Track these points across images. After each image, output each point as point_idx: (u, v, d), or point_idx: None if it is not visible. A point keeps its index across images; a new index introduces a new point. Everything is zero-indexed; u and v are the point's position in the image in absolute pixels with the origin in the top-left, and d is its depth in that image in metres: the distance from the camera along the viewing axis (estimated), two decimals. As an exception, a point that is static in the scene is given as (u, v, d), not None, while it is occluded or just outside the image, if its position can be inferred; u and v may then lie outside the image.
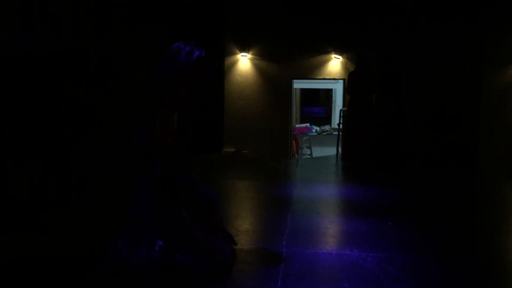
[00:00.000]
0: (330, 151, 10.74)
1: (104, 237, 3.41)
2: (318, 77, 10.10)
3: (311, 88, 15.66)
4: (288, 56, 9.81)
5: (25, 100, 5.38)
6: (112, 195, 4.76)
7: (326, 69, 9.92)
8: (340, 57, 9.83)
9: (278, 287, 3.12)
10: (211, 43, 7.01)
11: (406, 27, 8.80)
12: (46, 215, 4.64)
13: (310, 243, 4.03)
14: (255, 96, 9.93)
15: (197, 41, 3.25)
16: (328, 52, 9.83)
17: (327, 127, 13.49)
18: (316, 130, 13.43)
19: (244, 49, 9.79)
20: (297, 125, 13.55)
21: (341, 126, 9.54)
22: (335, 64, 9.90)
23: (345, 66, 9.81)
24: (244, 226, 4.47)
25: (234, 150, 9.69)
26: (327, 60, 9.89)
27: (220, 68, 9.63)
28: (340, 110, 9.74)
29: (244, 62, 9.87)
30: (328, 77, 10.04)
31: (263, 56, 9.86)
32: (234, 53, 9.85)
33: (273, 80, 9.89)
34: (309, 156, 11.56)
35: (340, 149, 9.41)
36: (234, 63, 9.89)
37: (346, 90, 9.44)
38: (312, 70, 9.97)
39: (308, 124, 13.87)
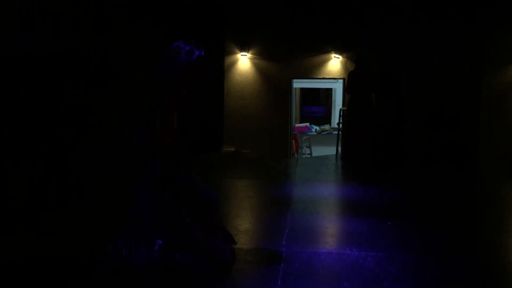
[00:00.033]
0: (329, 150, 10.74)
1: (104, 237, 3.41)
2: (318, 77, 10.10)
3: (311, 88, 15.65)
4: (288, 55, 9.81)
5: (25, 100, 5.37)
6: (112, 195, 4.76)
7: (326, 68, 9.92)
8: (340, 57, 9.83)
9: (278, 287, 3.12)
10: (211, 43, 7.01)
11: (406, 27, 8.80)
12: (46, 215, 4.64)
13: (310, 243, 4.03)
14: (255, 95, 9.93)
15: (197, 41, 3.26)
16: (328, 51, 9.83)
17: (326, 127, 13.48)
18: (315, 129, 13.43)
19: (244, 48, 9.79)
20: (297, 125, 13.54)
21: (340, 126, 9.54)
22: (335, 63, 9.89)
23: (345, 66, 9.81)
24: (244, 226, 4.48)
25: (233, 149, 9.69)
26: (327, 60, 9.88)
27: (220, 68, 9.64)
28: (340, 110, 9.74)
29: (244, 62, 9.87)
30: (328, 77, 10.04)
31: (263, 56, 9.85)
32: (233, 53, 9.85)
33: (273, 79, 9.88)
34: (309, 156, 11.56)
35: (339, 148, 9.41)
36: (234, 63, 9.89)
37: (345, 90, 9.44)
38: (312, 70, 9.97)
39: (307, 124, 13.87)
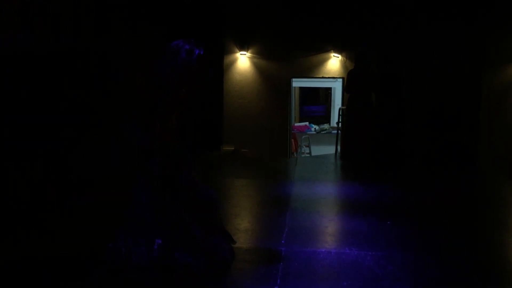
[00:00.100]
0: (329, 149, 10.74)
1: (104, 237, 3.41)
2: (317, 76, 10.11)
3: (310, 87, 15.63)
4: (287, 54, 9.81)
5: (25, 100, 5.37)
6: (112, 195, 4.76)
7: (325, 67, 9.93)
8: (340, 56, 9.84)
9: (277, 286, 3.13)
10: (211, 43, 7.01)
11: (406, 27, 8.80)
12: (46, 215, 4.64)
13: (309, 242, 4.04)
14: (254, 94, 9.93)
15: (196, 40, 3.26)
16: (327, 50, 9.84)
17: (326, 126, 13.47)
18: (315, 128, 13.42)
19: (243, 47, 9.79)
20: (296, 124, 13.54)
21: (340, 125, 9.55)
22: (334, 62, 9.90)
23: (344, 65, 9.82)
24: (243, 225, 4.48)
25: (233, 148, 9.70)
26: (326, 59, 9.89)
27: (219, 67, 9.64)
28: (339, 109, 9.75)
29: (243, 61, 9.87)
30: (327, 76, 10.05)
31: (262, 55, 9.86)
32: (233, 52, 9.85)
33: (272, 78, 9.89)
34: (308, 155, 11.56)
35: (339, 148, 9.42)
36: (233, 62, 9.89)
37: (345, 89, 9.45)
38: (311, 69, 9.97)
39: (307, 123, 13.86)
